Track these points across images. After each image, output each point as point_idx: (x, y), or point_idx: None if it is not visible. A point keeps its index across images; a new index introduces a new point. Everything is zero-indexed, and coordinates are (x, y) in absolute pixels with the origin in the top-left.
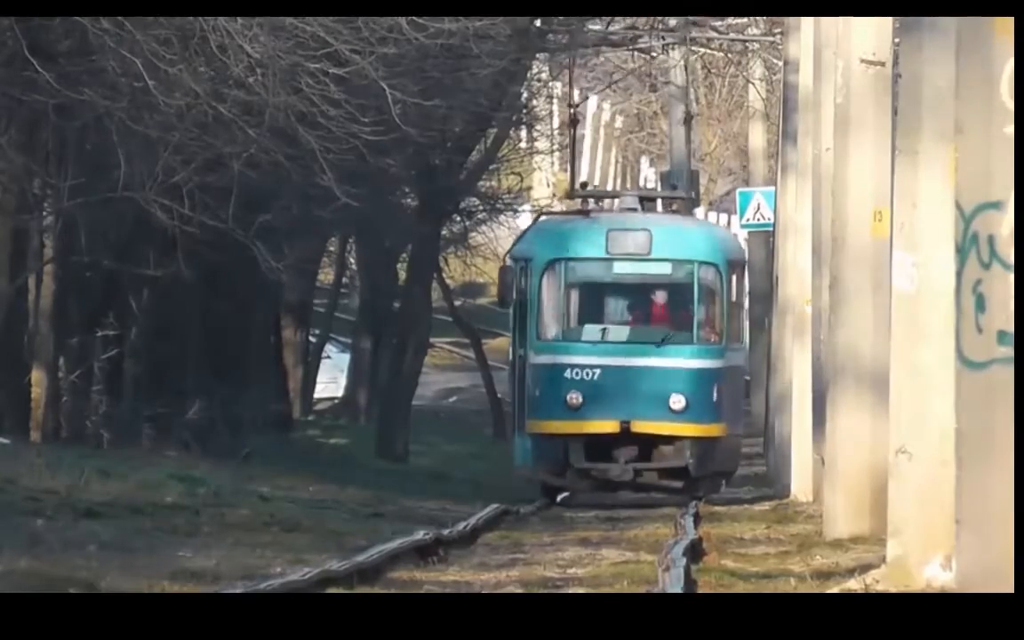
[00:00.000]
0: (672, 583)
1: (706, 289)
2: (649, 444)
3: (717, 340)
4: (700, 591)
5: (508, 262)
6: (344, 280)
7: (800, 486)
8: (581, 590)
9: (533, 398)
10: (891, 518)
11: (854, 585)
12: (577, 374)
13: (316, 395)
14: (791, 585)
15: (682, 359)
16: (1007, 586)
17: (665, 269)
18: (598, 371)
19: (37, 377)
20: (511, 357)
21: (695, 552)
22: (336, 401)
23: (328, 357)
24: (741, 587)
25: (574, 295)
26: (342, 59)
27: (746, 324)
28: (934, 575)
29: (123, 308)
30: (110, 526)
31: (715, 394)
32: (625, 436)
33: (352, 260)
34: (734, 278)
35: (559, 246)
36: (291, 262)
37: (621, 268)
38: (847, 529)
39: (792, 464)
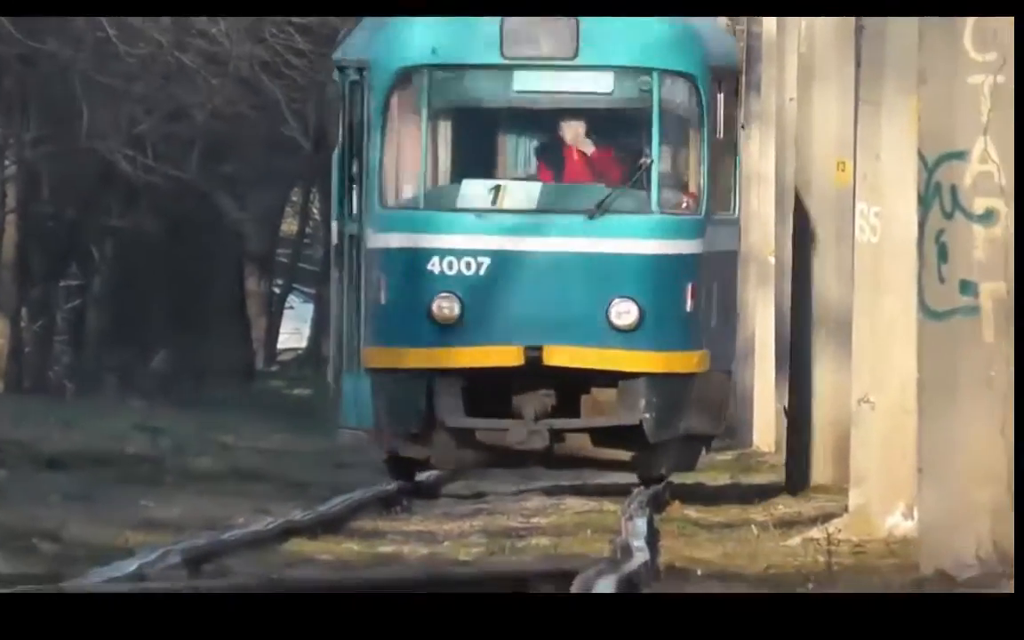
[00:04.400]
0: (635, 532)
1: (674, 118)
2: (575, 386)
3: (692, 206)
4: (664, 541)
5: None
6: (307, 230)
7: (762, 436)
8: (544, 539)
9: (374, 308)
10: (853, 467)
11: (816, 534)
12: (450, 266)
13: (279, 346)
14: (753, 533)
15: (632, 239)
16: (968, 535)
17: (603, 83)
18: (487, 261)
19: (0, 327)
20: (335, 239)
21: (658, 502)
22: (299, 352)
23: (291, 308)
24: (704, 537)
25: (445, 129)
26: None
27: (741, 177)
28: (896, 524)
29: (86, 258)
30: (73, 476)
31: (688, 299)
32: (534, 373)
33: (315, 210)
34: (721, 98)
35: (419, 44)
36: (254, 212)
37: (527, 81)
38: (810, 479)
39: (755, 414)
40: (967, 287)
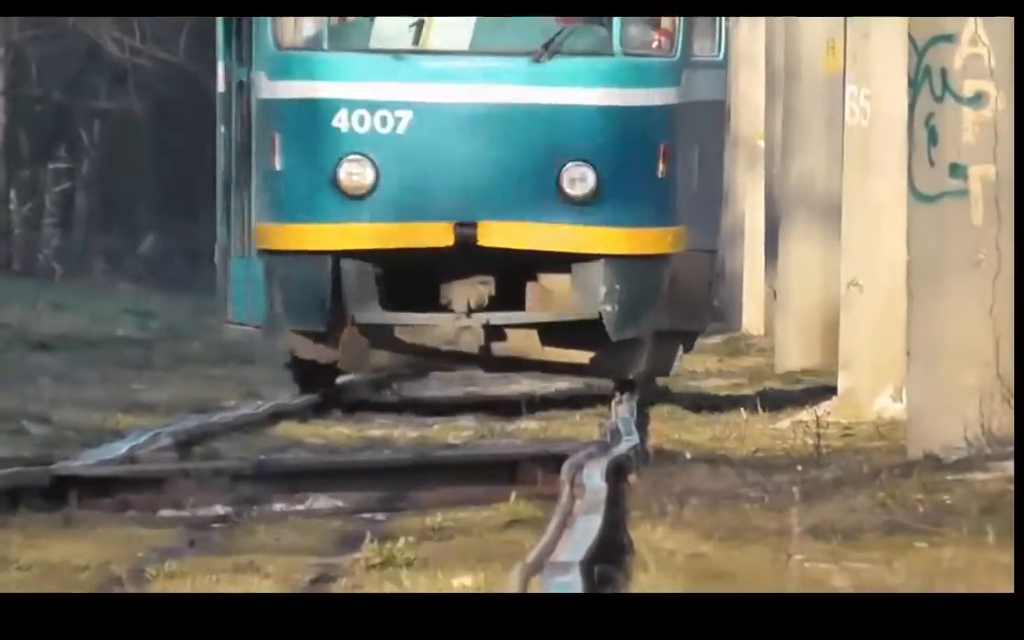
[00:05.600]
0: (624, 412)
1: None
2: (518, 272)
3: (665, 45)
4: (653, 424)
5: None
6: None
7: (752, 319)
8: (534, 423)
9: (268, 175)
10: (842, 350)
11: (805, 417)
12: (361, 121)
13: None
14: (742, 417)
15: (589, 88)
16: (956, 417)
17: None
18: (407, 115)
19: None
20: (220, 87)
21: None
22: None
23: None
24: (693, 420)
25: None
26: None
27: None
28: (884, 406)
29: (74, 141)
30: (63, 359)
31: (659, 163)
32: (467, 255)
33: None
34: None
35: None
36: None
37: None
38: (798, 362)
39: (744, 297)
40: (956, 170)
